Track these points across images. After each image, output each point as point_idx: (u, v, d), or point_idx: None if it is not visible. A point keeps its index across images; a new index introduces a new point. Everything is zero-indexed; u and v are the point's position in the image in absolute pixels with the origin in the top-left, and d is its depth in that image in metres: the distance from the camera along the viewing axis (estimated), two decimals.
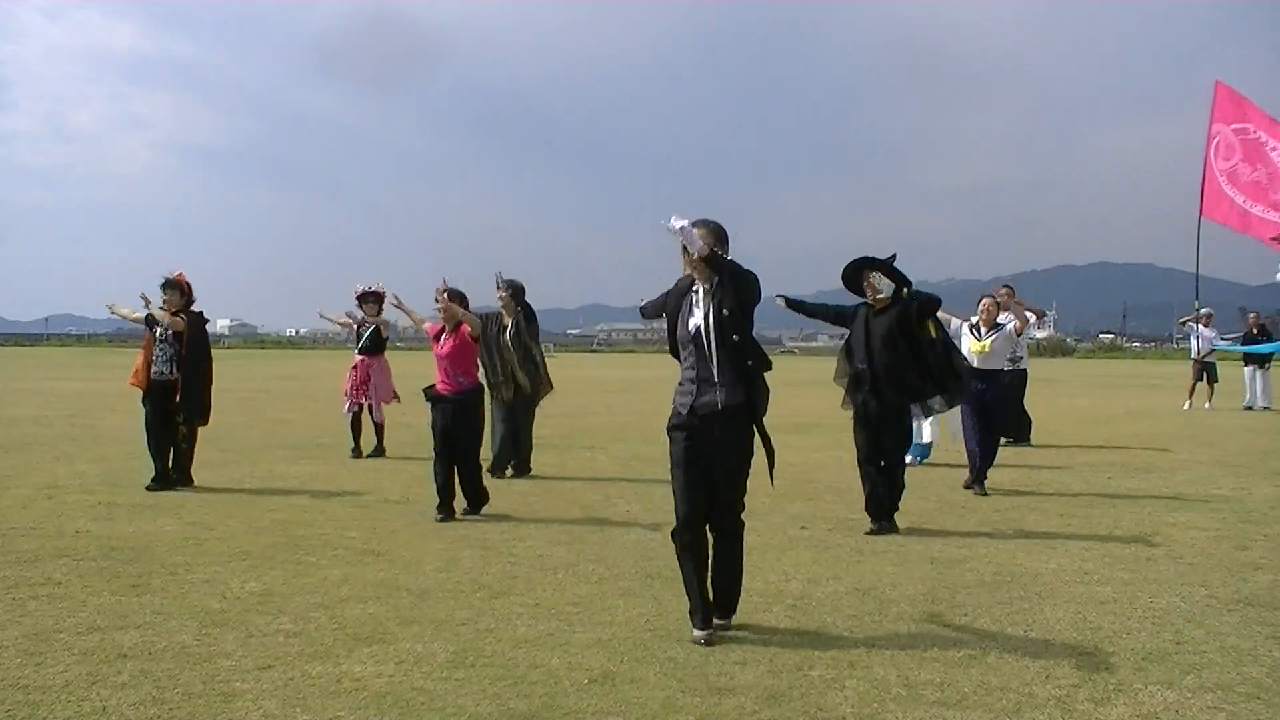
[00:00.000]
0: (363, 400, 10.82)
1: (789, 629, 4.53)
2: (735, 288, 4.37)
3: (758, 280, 4.42)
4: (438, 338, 7.53)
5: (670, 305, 4.64)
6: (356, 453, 10.62)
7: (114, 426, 13.33)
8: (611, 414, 16.68)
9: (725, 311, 4.38)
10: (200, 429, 8.62)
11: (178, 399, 8.33)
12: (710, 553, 4.55)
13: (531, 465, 9.48)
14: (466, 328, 7.43)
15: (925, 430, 10.00)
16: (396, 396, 10.95)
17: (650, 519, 7.18)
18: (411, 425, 11.27)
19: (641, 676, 3.90)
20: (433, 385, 7.48)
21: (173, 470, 8.36)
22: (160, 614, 4.67)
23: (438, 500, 7.23)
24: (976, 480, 8.44)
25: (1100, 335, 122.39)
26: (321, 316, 12.10)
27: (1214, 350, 18.54)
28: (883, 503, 6.82)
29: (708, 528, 4.52)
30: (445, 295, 7.40)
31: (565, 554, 6.03)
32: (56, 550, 5.96)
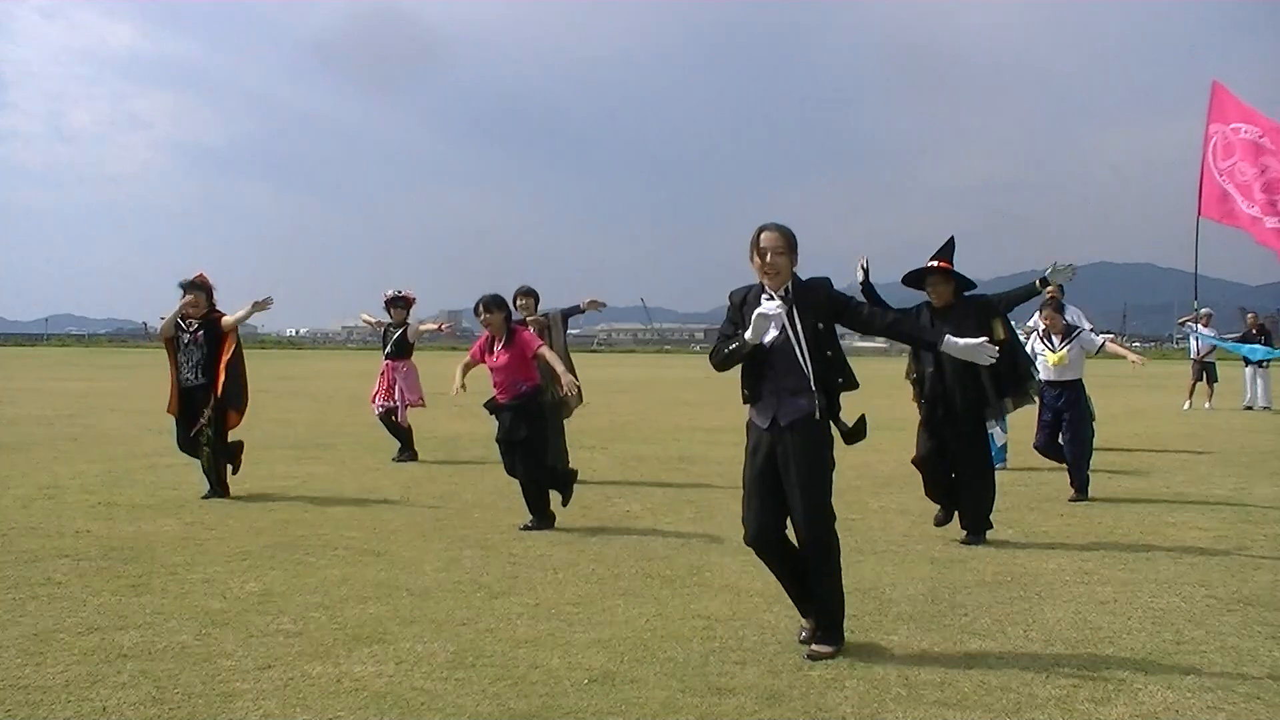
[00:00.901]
0: (389, 403, 10.72)
1: (789, 629, 4.53)
2: (818, 303, 4.29)
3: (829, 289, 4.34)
4: (489, 349, 7.08)
5: (736, 317, 4.39)
6: (407, 454, 10.49)
7: (114, 426, 13.34)
8: (612, 414, 16.68)
9: (816, 322, 4.23)
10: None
11: (216, 398, 7.92)
12: (810, 567, 4.33)
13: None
14: (527, 335, 7.10)
15: (997, 432, 9.76)
16: (422, 400, 10.87)
17: (650, 519, 7.18)
18: (413, 425, 11.25)
19: (641, 676, 3.90)
20: (493, 398, 7.06)
21: (216, 482, 7.98)
22: (160, 614, 4.67)
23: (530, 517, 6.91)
24: (1079, 489, 8.18)
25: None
26: (364, 319, 11.98)
27: (1214, 348, 18.54)
28: (970, 511, 6.53)
29: (800, 544, 4.30)
30: (483, 306, 7.01)
31: (565, 554, 6.03)
32: (56, 550, 5.96)
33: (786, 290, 4.28)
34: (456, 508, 7.32)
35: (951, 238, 6.60)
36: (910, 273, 6.59)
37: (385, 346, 10.89)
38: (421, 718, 3.50)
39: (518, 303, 9.24)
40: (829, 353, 4.26)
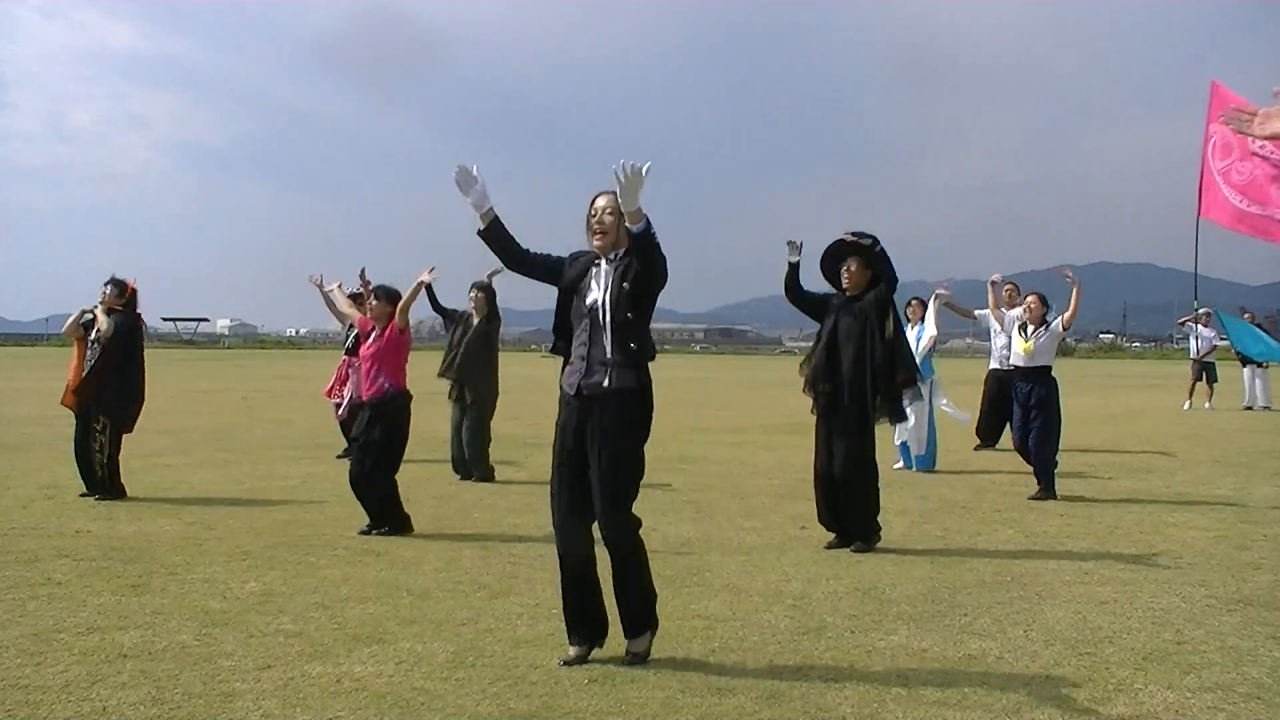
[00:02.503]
0: (340, 399, 10.73)
1: (789, 629, 4.53)
2: (647, 265, 4.01)
3: (665, 263, 4.08)
4: (368, 335, 6.91)
5: (568, 277, 4.21)
6: (349, 452, 10.60)
7: None
8: None
9: (625, 285, 4.04)
10: (127, 436, 8.02)
11: (93, 396, 7.77)
12: (612, 568, 4.15)
13: (493, 468, 9.30)
14: (394, 324, 6.80)
15: (909, 435, 9.71)
16: None
17: (650, 519, 7.15)
18: None
19: (641, 676, 3.90)
20: (356, 395, 6.92)
21: (99, 484, 7.79)
22: (160, 614, 4.67)
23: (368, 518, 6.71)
24: (1044, 489, 8.24)
25: (1100, 335, 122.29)
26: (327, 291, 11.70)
27: (1215, 348, 18.57)
28: (853, 517, 6.29)
29: (601, 531, 4.12)
30: (373, 295, 6.91)
31: None
32: (56, 550, 5.96)
33: (617, 255, 4.12)
34: (456, 508, 7.33)
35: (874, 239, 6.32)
36: (828, 250, 6.37)
37: (346, 341, 10.89)
38: (421, 718, 3.50)
39: (470, 293, 9.42)
40: (629, 314, 4.05)
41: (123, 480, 7.92)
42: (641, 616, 4.14)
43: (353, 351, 10.80)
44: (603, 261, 4.16)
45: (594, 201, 4.20)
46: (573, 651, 4.10)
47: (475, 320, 9.42)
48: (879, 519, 6.39)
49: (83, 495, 7.84)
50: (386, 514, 6.69)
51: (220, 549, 6.08)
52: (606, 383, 4.04)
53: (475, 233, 4.24)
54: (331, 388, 10.88)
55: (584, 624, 4.13)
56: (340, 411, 10.69)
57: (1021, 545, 6.42)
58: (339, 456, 10.56)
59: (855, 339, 6.25)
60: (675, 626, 4.55)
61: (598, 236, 4.15)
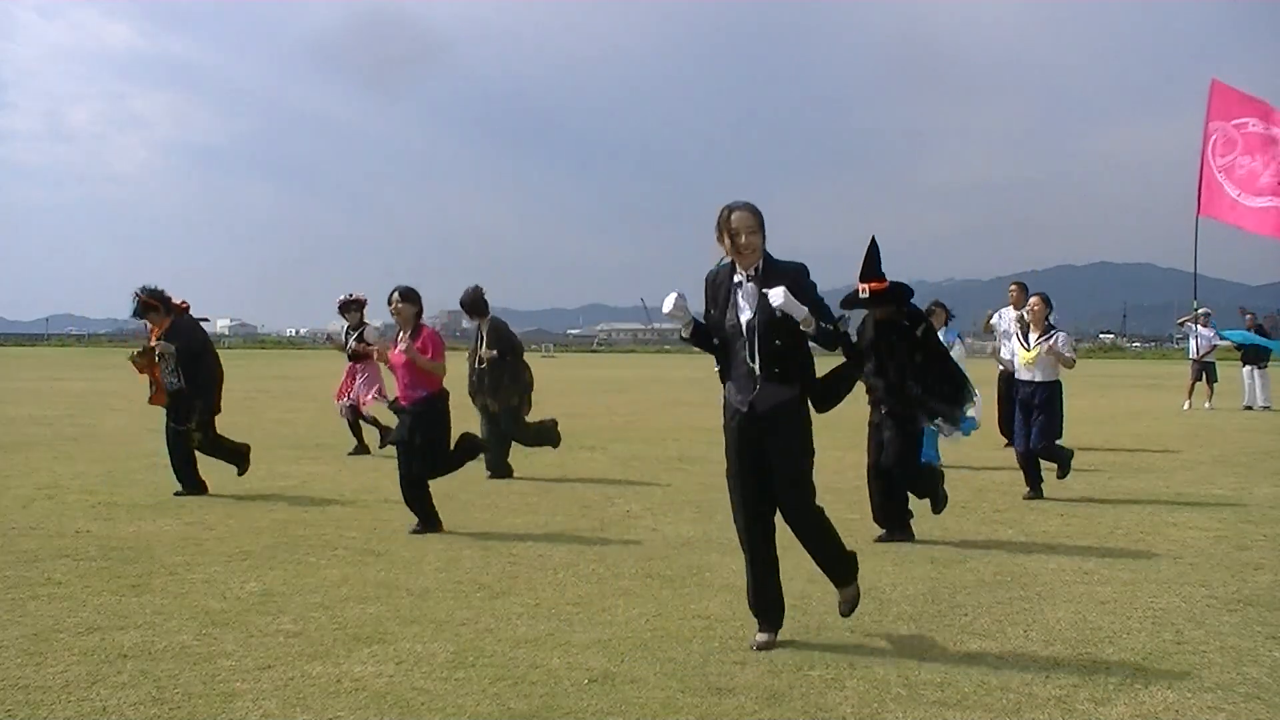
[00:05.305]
0: (348, 399, 11.04)
1: (789, 629, 4.53)
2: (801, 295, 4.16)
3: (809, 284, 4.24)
4: (395, 344, 6.96)
5: (709, 295, 4.35)
6: (359, 449, 10.89)
7: (114, 426, 13.34)
8: (611, 414, 16.69)
9: (778, 313, 4.12)
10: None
11: (191, 405, 8.11)
12: (806, 547, 4.52)
13: (541, 426, 9.46)
14: (429, 335, 6.85)
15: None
16: (383, 395, 10.82)
17: (650, 519, 7.18)
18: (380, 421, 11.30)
19: (641, 676, 3.90)
20: (397, 398, 7.03)
21: (194, 478, 8.09)
22: (160, 614, 4.67)
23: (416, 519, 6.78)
24: (1032, 486, 8.23)
25: (1100, 335, 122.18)
26: (330, 339, 12.39)
27: (1214, 348, 18.55)
28: (889, 510, 6.57)
29: (788, 524, 4.40)
30: (399, 298, 6.89)
31: (565, 554, 6.03)
32: (56, 550, 5.96)
33: (756, 270, 4.23)
34: (456, 508, 7.32)
35: (873, 243, 6.04)
36: (847, 299, 6.24)
37: (347, 348, 11.13)
38: (421, 718, 3.51)
39: (474, 323, 9.47)
40: (777, 341, 4.17)
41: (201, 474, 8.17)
42: (841, 571, 4.53)
43: (356, 357, 10.96)
44: (745, 279, 4.24)
45: (729, 219, 4.20)
46: (762, 637, 4.33)
47: (483, 332, 9.35)
48: (908, 517, 6.60)
49: (176, 494, 7.96)
50: (422, 508, 6.80)
51: (220, 549, 6.08)
52: (775, 399, 4.21)
53: (680, 338, 4.48)
54: (340, 392, 11.17)
55: (771, 610, 4.40)
56: (363, 411, 10.90)
57: (1021, 545, 6.42)
58: (385, 445, 10.56)
59: (891, 344, 6.32)
60: (675, 626, 4.56)
61: (742, 258, 4.22)
